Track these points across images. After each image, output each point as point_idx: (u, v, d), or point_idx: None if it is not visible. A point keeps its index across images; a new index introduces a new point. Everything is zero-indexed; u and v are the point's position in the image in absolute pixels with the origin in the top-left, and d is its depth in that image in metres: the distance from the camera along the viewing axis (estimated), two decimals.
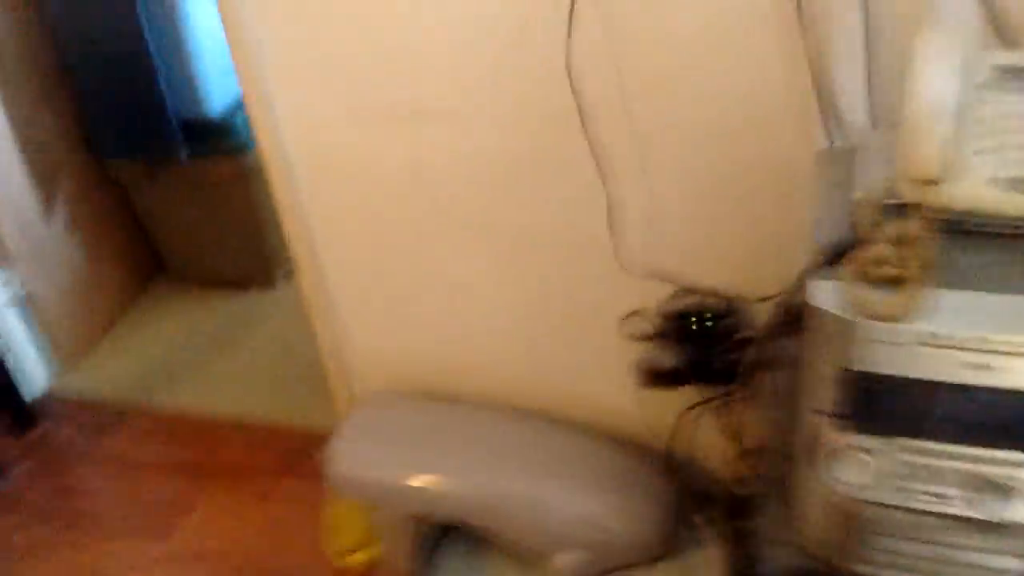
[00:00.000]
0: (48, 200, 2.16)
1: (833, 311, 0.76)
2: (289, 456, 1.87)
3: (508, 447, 1.47)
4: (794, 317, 1.08)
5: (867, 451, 0.80)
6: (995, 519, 0.78)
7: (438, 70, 1.28)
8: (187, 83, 2.06)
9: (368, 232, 1.51)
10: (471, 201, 1.40)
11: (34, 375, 2.17)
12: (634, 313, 1.40)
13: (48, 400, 2.16)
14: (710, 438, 1.41)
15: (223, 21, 1.33)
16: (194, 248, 2.44)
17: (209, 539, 1.71)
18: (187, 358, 2.24)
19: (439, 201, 1.42)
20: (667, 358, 1.35)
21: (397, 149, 1.39)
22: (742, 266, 1.31)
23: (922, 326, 0.72)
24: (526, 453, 1.46)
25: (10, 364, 2.05)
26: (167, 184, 2.29)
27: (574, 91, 1.20)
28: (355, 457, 1.49)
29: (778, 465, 1.08)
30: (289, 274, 2.45)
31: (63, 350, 2.23)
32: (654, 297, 1.36)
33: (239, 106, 2.14)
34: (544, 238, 1.40)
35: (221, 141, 2.15)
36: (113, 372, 2.23)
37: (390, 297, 1.58)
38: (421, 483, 1.42)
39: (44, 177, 2.14)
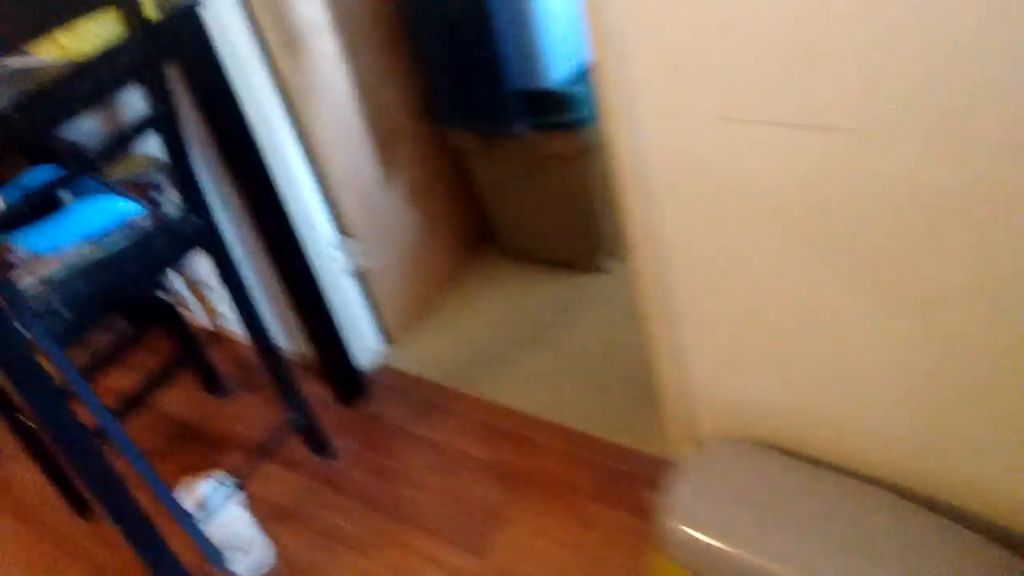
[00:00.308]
0: (388, 169, 2.20)
1: None
2: (611, 478, 1.78)
3: (887, 545, 1.25)
4: None
5: None
6: None
7: (847, 75, 1.05)
8: (528, 53, 1.97)
9: (725, 249, 1.33)
10: (869, 236, 1.17)
11: (364, 347, 2.26)
12: None
13: (376, 374, 2.25)
14: None
15: None
16: (523, 222, 2.40)
17: (525, 564, 1.67)
18: (509, 344, 2.22)
19: (823, 230, 1.20)
20: None
21: (776, 162, 1.18)
22: None
23: None
24: (912, 559, 1.23)
25: (344, 336, 2.15)
26: (501, 155, 2.25)
27: None
28: (695, 519, 1.35)
29: None
30: (617, 258, 2.35)
31: (392, 323, 2.31)
32: None
33: (580, 78, 2.04)
34: (968, 294, 1.13)
35: (559, 115, 2.05)
36: (437, 350, 2.28)
37: (746, 326, 1.40)
38: (771, 571, 1.26)
39: (385, 145, 2.18)
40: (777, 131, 1.15)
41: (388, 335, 2.32)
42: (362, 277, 2.21)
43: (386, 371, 2.26)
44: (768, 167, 1.19)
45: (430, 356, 2.27)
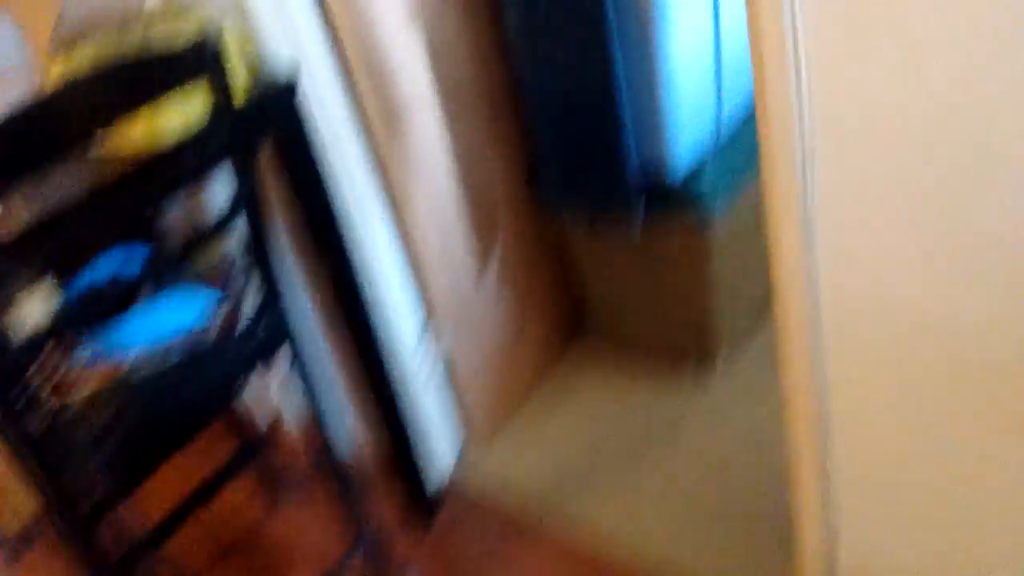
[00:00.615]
0: (483, 250, 1.99)
1: None
2: None
3: None
4: None
5: None
6: None
7: None
8: (654, 139, 1.77)
9: (903, 395, 1.10)
10: None
11: (440, 456, 2.03)
12: None
13: (453, 486, 2.02)
14: None
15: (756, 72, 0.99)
16: (627, 311, 2.17)
17: None
18: (608, 459, 1.97)
19: None
20: None
21: (1004, 313, 0.95)
22: None
23: None
24: None
25: (420, 440, 1.93)
26: (611, 241, 2.04)
27: None
28: None
29: None
30: (732, 362, 2.12)
31: (474, 426, 2.08)
32: None
33: (707, 169, 1.83)
34: None
35: (682, 207, 1.84)
36: (525, 462, 2.04)
37: (920, 489, 1.17)
38: None
39: (482, 224, 1.97)
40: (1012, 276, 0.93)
41: (470, 440, 2.09)
42: (445, 372, 2.00)
43: (465, 484, 2.03)
44: (996, 316, 0.97)
45: (516, 469, 2.03)
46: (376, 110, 1.62)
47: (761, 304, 2.19)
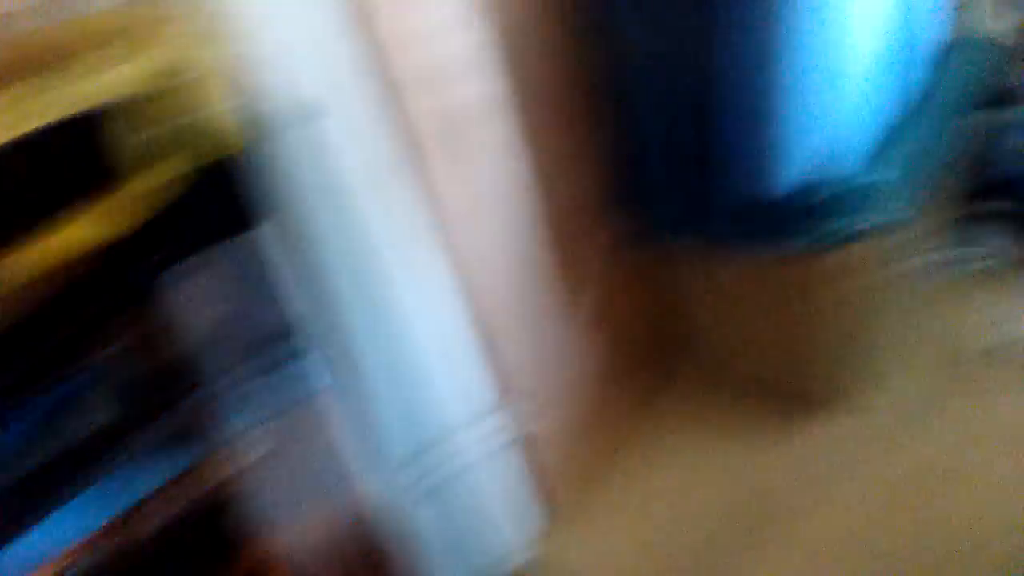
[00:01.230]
0: (563, 296, 1.60)
1: None
2: None
3: None
4: None
5: None
6: None
7: None
8: (805, 135, 1.41)
9: None
10: None
11: (512, 539, 1.66)
12: None
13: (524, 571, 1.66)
14: None
15: None
16: (742, 338, 1.81)
17: None
18: (722, 530, 1.58)
19: None
20: None
21: None
22: None
23: None
24: None
25: (486, 528, 1.57)
26: (719, 268, 1.66)
27: None
28: None
29: None
30: (879, 393, 1.71)
31: (551, 500, 1.70)
32: None
33: (873, 165, 1.47)
34: None
35: (842, 221, 1.46)
36: (617, 541, 1.66)
37: None
38: None
39: (561, 263, 1.58)
40: None
41: (547, 517, 1.72)
42: (518, 448, 1.62)
43: (544, 570, 1.65)
44: None
45: (606, 551, 1.65)
46: (429, 130, 1.23)
47: (903, 339, 1.82)
